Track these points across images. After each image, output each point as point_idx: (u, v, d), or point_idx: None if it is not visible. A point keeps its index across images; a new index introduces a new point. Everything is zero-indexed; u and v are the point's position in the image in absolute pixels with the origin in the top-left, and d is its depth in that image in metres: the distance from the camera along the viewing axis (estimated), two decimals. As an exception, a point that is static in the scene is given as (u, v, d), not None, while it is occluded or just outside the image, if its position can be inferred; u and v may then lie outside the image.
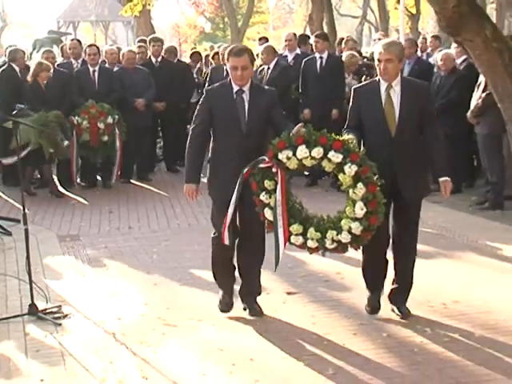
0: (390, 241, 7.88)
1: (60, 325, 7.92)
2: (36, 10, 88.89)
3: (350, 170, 7.05)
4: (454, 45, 14.19)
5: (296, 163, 7.25)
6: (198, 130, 7.84)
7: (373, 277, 7.98)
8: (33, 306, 8.16)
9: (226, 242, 7.60)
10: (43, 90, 14.70)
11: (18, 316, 8.12)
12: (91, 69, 15.51)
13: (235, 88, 7.71)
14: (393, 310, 7.83)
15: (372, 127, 7.64)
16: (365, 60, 15.88)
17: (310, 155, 7.15)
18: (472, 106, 12.27)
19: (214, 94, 7.92)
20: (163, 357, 7.11)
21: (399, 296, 7.88)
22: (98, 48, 16.50)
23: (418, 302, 7.39)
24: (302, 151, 7.14)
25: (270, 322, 7.71)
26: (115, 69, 16.03)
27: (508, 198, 12.85)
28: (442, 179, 7.57)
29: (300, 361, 6.93)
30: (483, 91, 12.50)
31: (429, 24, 51.80)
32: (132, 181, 15.99)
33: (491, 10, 33.84)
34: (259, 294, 8.16)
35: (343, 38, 18.25)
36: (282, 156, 7.20)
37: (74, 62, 16.17)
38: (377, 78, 7.80)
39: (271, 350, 7.24)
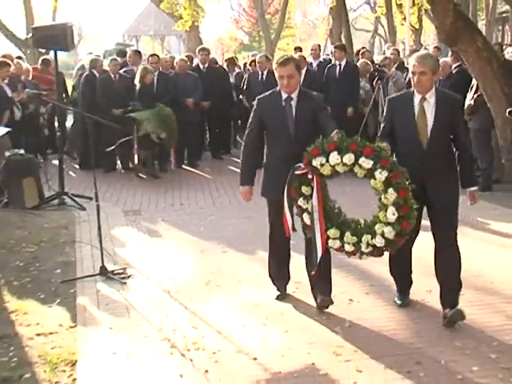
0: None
1: (125, 284, 8.01)
2: (105, 26, 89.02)
3: (381, 175, 6.32)
4: (449, 53, 14.16)
5: (329, 169, 6.54)
6: (252, 135, 7.25)
7: (399, 275, 7.27)
8: (103, 268, 8.26)
9: (290, 233, 6.97)
10: (149, 89, 15.05)
11: (91, 276, 8.22)
12: (151, 73, 15.55)
13: (284, 96, 7.07)
14: (445, 317, 6.71)
15: (403, 138, 6.72)
16: (376, 66, 15.79)
17: (342, 161, 6.43)
18: (465, 105, 12.22)
19: (264, 101, 7.21)
20: (209, 311, 7.18)
21: (447, 300, 6.77)
22: (158, 57, 16.60)
23: (420, 269, 7.35)
24: (333, 157, 6.43)
25: (298, 284, 7.73)
26: (169, 74, 16.05)
27: (496, 181, 12.91)
28: (470, 189, 6.87)
29: (322, 315, 6.99)
30: (475, 93, 12.53)
31: (429, 37, 51.42)
32: (183, 166, 16.03)
33: (482, 26, 33.61)
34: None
35: (360, 50, 18.20)
36: (315, 163, 6.51)
37: (135, 68, 16.19)
38: (411, 90, 6.78)
39: (298, 306, 7.30)
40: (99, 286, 7.93)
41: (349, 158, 6.36)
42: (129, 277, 8.26)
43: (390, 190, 6.32)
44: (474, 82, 12.76)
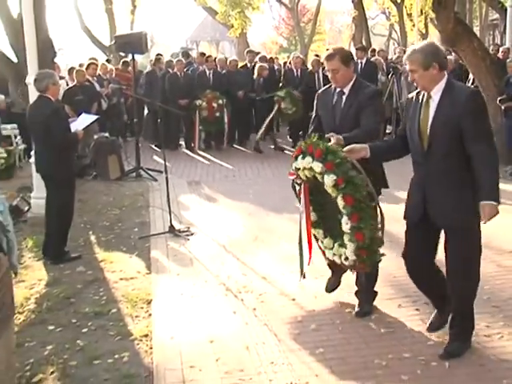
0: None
1: (189, 239, 8.06)
2: (171, 34, 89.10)
3: (328, 179, 4.84)
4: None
5: (304, 174, 5.14)
6: (313, 126, 5.91)
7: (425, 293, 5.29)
8: (171, 227, 8.31)
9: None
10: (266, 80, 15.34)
11: (162, 233, 8.27)
12: (207, 71, 15.53)
13: (337, 89, 5.60)
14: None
15: (410, 139, 4.82)
16: (391, 63, 15.63)
17: (304, 166, 5.07)
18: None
19: (320, 95, 5.83)
20: (256, 261, 7.19)
21: (453, 332, 4.94)
22: (214, 58, 16.65)
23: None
24: (298, 162, 5.12)
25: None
26: (223, 71, 16.00)
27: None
28: (482, 202, 4.43)
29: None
30: (471, 84, 12.38)
31: (434, 40, 50.67)
32: (234, 145, 16.01)
33: (476, 31, 33.16)
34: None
35: (375, 49, 18.07)
36: (293, 166, 5.22)
37: (200, 67, 16.14)
38: None
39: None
40: (168, 242, 7.99)
41: (307, 162, 5.03)
42: (192, 234, 8.31)
43: (339, 197, 4.87)
44: (470, 76, 12.81)
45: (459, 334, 4.89)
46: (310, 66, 15.93)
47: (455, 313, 4.90)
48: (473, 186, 4.52)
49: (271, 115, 14.62)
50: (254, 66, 16.12)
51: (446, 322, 5.06)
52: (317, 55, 18.41)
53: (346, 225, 4.89)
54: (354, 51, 20.65)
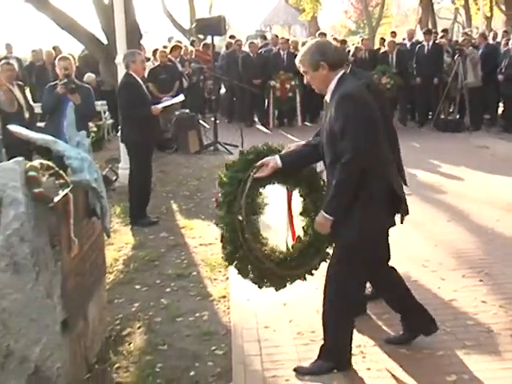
0: None
1: (263, 209, 8.07)
2: (246, 18, 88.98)
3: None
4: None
5: None
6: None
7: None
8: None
9: None
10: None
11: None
12: (282, 52, 15.46)
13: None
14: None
15: None
16: (457, 46, 15.19)
17: None
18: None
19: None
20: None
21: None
22: (288, 40, 16.59)
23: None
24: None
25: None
26: (296, 52, 15.89)
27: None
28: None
29: (413, 234, 6.86)
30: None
31: (498, 23, 49.06)
32: (306, 122, 15.90)
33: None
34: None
35: (439, 32, 17.61)
36: None
37: (273, 48, 16.10)
38: None
39: (396, 229, 7.15)
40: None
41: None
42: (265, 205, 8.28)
43: None
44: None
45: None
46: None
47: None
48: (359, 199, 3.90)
49: None
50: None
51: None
52: (382, 38, 18.13)
53: None
54: (420, 34, 20.27)
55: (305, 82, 4.17)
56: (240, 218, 4.14)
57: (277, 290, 4.48)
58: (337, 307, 4.10)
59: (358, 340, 4.52)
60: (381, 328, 4.77)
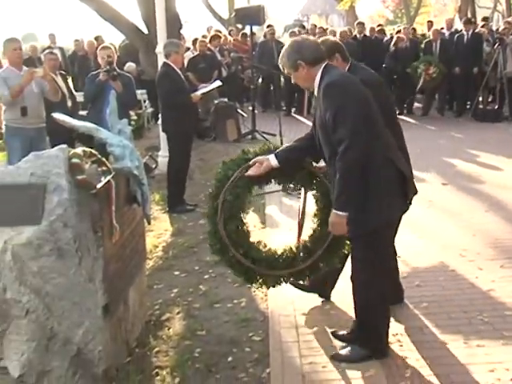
0: None
1: (299, 197, 8.04)
2: (282, 7, 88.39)
3: None
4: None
5: None
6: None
7: None
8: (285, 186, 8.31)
9: None
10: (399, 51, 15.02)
11: (275, 191, 8.23)
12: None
13: None
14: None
15: None
16: (497, 35, 14.90)
17: None
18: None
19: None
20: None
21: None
22: (325, 30, 16.56)
23: None
24: None
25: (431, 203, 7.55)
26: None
27: None
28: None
29: (451, 224, 6.78)
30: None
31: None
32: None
33: None
34: None
35: (478, 22, 17.33)
36: None
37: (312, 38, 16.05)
38: None
39: (431, 217, 7.12)
40: (282, 199, 7.98)
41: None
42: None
43: None
44: None
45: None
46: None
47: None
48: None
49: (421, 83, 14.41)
50: (365, 36, 15.86)
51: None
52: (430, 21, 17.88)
53: None
54: (458, 23, 19.95)
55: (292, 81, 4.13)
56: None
57: (268, 288, 4.53)
58: (370, 296, 4.04)
59: (396, 328, 4.49)
60: (418, 317, 4.72)
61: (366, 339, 4.12)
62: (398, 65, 14.74)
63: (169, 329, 4.72)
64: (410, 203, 4.22)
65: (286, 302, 5.04)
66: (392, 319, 4.41)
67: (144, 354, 4.37)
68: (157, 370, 4.14)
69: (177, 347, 4.44)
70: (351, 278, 4.12)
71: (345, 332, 4.38)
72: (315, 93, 3.97)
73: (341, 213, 3.80)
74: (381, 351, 4.14)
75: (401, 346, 4.29)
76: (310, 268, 4.38)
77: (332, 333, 4.42)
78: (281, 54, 4.02)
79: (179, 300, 5.22)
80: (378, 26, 17.87)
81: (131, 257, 4.39)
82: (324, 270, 4.41)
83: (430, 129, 13.25)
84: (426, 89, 14.94)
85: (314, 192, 4.35)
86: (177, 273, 5.82)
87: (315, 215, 4.40)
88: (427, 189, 8.24)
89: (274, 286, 4.46)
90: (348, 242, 4.27)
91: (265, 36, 16.88)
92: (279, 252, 4.38)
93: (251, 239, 4.34)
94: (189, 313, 4.99)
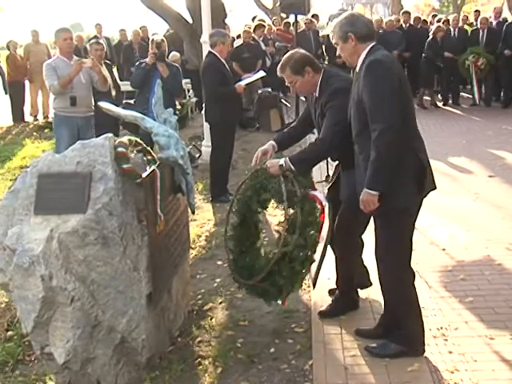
0: None
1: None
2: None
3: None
4: None
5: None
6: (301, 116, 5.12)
7: None
8: (328, 176, 8.20)
9: None
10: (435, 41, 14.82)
11: (319, 182, 8.17)
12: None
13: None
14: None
15: None
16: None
17: None
18: None
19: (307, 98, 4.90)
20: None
21: None
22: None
23: None
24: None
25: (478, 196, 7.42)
26: (379, 31, 15.53)
27: None
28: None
29: (498, 217, 6.65)
30: None
31: None
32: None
33: None
34: None
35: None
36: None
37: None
38: None
39: (480, 212, 6.98)
40: (325, 190, 7.90)
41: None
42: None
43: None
44: None
45: None
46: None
47: None
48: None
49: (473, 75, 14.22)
50: (410, 26, 15.62)
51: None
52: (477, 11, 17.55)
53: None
54: (507, 12, 19.50)
55: (337, 53, 4.12)
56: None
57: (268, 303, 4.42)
58: (398, 277, 3.99)
59: (440, 322, 4.42)
60: (463, 311, 4.63)
61: (399, 334, 4.04)
62: (439, 54, 14.50)
63: (211, 319, 4.72)
64: (424, 196, 4.03)
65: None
66: (438, 313, 4.33)
67: (186, 343, 4.38)
68: (199, 360, 4.15)
69: (219, 337, 4.44)
70: (378, 260, 4.04)
71: (369, 328, 4.32)
72: (357, 69, 3.93)
73: (374, 192, 3.76)
74: (416, 347, 4.04)
75: (445, 340, 4.22)
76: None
77: (356, 331, 4.36)
78: (334, 24, 4.02)
79: (222, 290, 5.22)
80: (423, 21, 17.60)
81: (175, 246, 4.39)
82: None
83: (476, 120, 12.99)
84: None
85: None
86: (219, 262, 5.81)
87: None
88: (474, 181, 8.11)
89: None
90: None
91: (305, 25, 16.72)
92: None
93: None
94: (231, 303, 4.98)
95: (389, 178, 3.75)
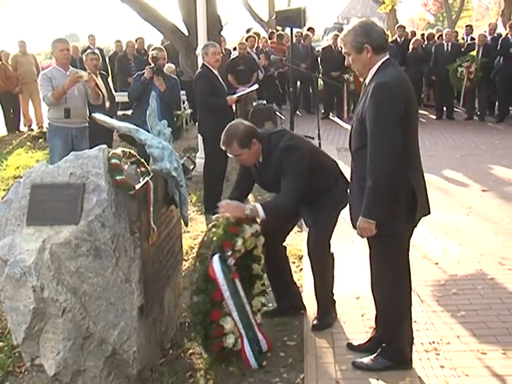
0: None
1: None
2: (322, 10, 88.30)
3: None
4: None
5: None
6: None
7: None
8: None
9: None
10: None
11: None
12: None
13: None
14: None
15: None
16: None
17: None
18: None
19: None
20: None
21: None
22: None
23: None
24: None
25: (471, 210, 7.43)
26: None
27: None
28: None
29: (490, 232, 6.67)
30: None
31: None
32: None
33: None
34: None
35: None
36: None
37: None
38: None
39: (473, 227, 6.99)
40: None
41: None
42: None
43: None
44: None
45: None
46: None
47: None
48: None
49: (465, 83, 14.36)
50: (405, 40, 15.71)
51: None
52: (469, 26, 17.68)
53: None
54: (500, 27, 19.62)
55: (345, 63, 3.96)
56: None
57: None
58: (394, 296, 3.97)
59: (432, 336, 4.43)
60: (455, 325, 4.63)
61: (389, 349, 4.03)
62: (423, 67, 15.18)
63: (203, 331, 4.70)
64: (416, 226, 3.95)
65: (321, 307, 4.99)
66: (430, 327, 4.33)
67: (178, 355, 4.37)
68: (190, 372, 4.14)
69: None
70: (373, 284, 4.03)
71: (361, 342, 4.32)
72: (366, 80, 3.78)
73: (371, 220, 3.69)
74: (403, 362, 4.04)
75: (437, 354, 4.22)
76: None
77: (347, 345, 4.36)
78: (345, 31, 3.78)
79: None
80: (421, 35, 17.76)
81: (168, 258, 4.39)
82: None
83: (470, 134, 13.04)
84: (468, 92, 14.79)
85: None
86: (212, 275, 5.80)
87: None
88: (467, 195, 8.13)
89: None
90: None
91: (295, 37, 16.65)
92: None
93: None
94: (224, 315, 4.96)
95: (386, 206, 3.67)
